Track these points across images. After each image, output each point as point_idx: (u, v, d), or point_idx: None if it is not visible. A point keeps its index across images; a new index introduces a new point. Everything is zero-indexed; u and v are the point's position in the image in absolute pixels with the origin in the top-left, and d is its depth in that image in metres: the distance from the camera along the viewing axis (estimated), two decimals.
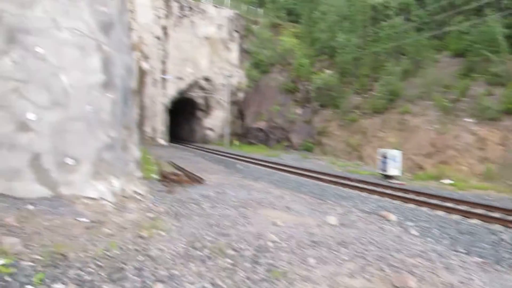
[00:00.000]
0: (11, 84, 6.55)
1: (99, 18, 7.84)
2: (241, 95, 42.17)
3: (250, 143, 36.71)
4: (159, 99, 38.74)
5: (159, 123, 39.02)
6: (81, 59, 7.32)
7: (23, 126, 6.64)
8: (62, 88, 7.01)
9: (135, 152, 9.74)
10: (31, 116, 6.71)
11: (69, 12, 7.31)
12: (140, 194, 8.12)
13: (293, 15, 44.89)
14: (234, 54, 42.47)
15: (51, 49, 6.94)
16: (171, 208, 7.88)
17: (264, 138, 35.75)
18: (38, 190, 6.58)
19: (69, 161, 7.03)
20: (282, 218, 7.71)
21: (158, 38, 38.26)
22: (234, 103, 42.03)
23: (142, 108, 37.18)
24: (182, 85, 40.10)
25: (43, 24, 6.99)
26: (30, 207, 5.99)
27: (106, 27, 7.97)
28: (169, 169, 13.92)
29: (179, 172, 13.10)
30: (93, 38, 7.54)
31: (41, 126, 6.77)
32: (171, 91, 39.45)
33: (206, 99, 42.17)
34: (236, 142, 37.71)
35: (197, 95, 41.42)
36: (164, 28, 38.59)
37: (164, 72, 38.37)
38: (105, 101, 7.64)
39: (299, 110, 33.64)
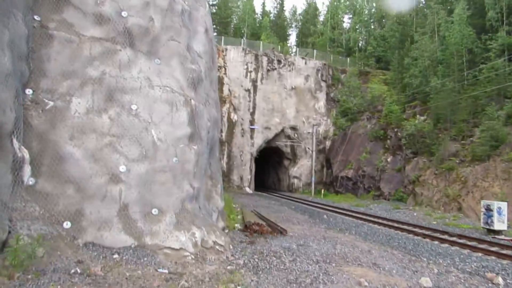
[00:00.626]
0: (107, 139, 6.99)
1: (188, 75, 8.26)
2: (328, 143, 41.54)
3: (337, 192, 35.77)
4: (246, 149, 39.43)
5: (246, 171, 39.40)
6: (170, 114, 7.70)
7: (115, 178, 6.94)
8: (151, 142, 7.37)
9: (219, 202, 9.80)
10: (122, 168, 7.01)
11: (161, 71, 7.80)
12: (221, 245, 8.04)
13: (382, 62, 44.47)
14: (321, 103, 42.34)
15: (144, 105, 7.42)
16: (251, 261, 7.75)
17: (352, 187, 34.66)
18: (124, 239, 6.74)
19: (154, 211, 7.19)
20: (368, 277, 7.12)
21: (247, 90, 39.79)
22: (320, 151, 41.45)
23: (230, 157, 38.54)
24: (269, 134, 40.48)
25: (138, 84, 7.53)
26: (116, 256, 6.20)
27: (195, 83, 8.30)
28: (252, 218, 13.78)
29: (262, 222, 12.85)
30: (182, 94, 7.94)
31: (130, 178, 7.04)
32: (259, 140, 40.00)
33: (292, 148, 41.86)
34: (323, 191, 36.72)
35: (283, 144, 41.35)
36: (253, 81, 39.98)
37: (252, 122, 39.46)
38: (190, 153, 7.80)
39: (389, 158, 32.40)
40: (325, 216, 19.52)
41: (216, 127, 10.26)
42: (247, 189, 38.51)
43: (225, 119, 38.42)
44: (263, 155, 43.46)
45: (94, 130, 6.87)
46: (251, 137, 40.01)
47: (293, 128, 41.45)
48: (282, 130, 41.21)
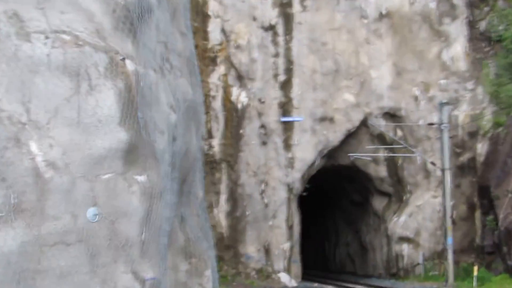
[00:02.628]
0: None
1: (115, 3, 7.69)
2: (480, 147, 32.10)
3: None
4: (276, 175, 30.53)
5: (278, 232, 31.13)
6: (74, 99, 6.88)
7: None
8: (30, 172, 6.40)
9: None
10: None
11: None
12: None
13: None
14: (456, 48, 32.17)
15: (7, 84, 6.60)
16: None
17: None
18: None
19: None
20: None
21: (269, 28, 31.14)
22: (462, 169, 32.62)
23: (235, 198, 30.45)
24: (332, 135, 31.08)
25: None
26: None
27: (132, 21, 7.68)
28: None
29: None
30: (103, 47, 7.17)
31: None
32: (305, 152, 30.94)
33: (392, 165, 33.24)
34: (476, 271, 29.13)
35: (369, 158, 32.03)
36: (284, 5, 31.45)
37: (285, 108, 30.48)
38: (130, 194, 7.06)
39: None
40: None
41: (195, 124, 10.62)
42: (284, 278, 30.56)
43: (216, 103, 29.44)
44: (319, 188, 37.23)
45: None
46: (286, 146, 30.18)
47: (391, 115, 31.76)
48: (364, 123, 31.49)
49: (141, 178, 7.27)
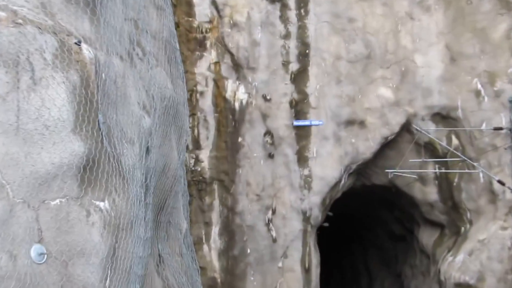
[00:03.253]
0: None
1: None
2: None
3: None
4: (286, 199, 29.57)
5: (288, 277, 30.34)
6: (11, 97, 7.07)
7: None
8: None
9: None
10: None
11: None
12: None
13: None
14: None
15: None
16: None
17: None
18: None
19: None
20: None
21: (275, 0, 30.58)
22: None
23: (229, 232, 30.45)
24: (362, 144, 29.94)
25: None
26: None
27: None
28: None
29: None
30: (50, 27, 7.49)
31: None
32: (326, 168, 29.57)
33: (443, 183, 32.05)
34: None
35: (414, 175, 31.46)
36: None
37: (299, 107, 29.71)
38: (88, 227, 7.42)
39: None
40: None
41: (176, 130, 11.54)
42: None
43: (205, 102, 28.79)
44: (345, 217, 36.85)
45: None
46: (301, 160, 29.28)
47: (443, 117, 30.51)
48: (406, 128, 30.23)
49: (103, 205, 7.49)
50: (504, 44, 30.47)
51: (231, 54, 28.31)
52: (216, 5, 28.58)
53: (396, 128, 28.94)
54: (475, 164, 29.26)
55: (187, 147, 23.89)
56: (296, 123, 28.29)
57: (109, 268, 7.72)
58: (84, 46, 7.78)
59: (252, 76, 28.28)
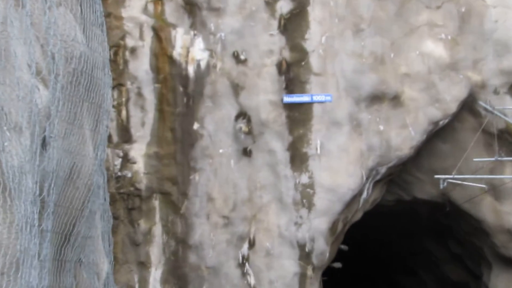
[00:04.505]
0: None
1: None
2: None
3: None
4: (272, 223, 23.94)
5: None
6: None
7: None
8: None
9: None
10: None
11: None
12: None
13: None
14: None
15: None
16: None
17: None
18: None
19: None
20: None
21: None
22: None
23: (178, 277, 24.14)
24: (396, 133, 24.16)
25: None
26: None
27: None
28: None
29: None
30: None
31: None
32: (338, 174, 24.05)
33: None
34: None
35: (482, 184, 26.01)
36: None
37: (293, 75, 23.72)
38: None
39: None
40: None
41: (92, 110, 10.57)
42: None
43: (140, 65, 21.84)
44: (369, 252, 33.89)
45: None
46: (295, 158, 23.17)
47: None
48: (468, 107, 25.32)
49: None
50: None
51: None
52: None
53: (453, 108, 22.57)
54: None
55: (109, 138, 16.60)
56: (287, 98, 21.56)
57: None
58: None
59: (216, 22, 21.74)
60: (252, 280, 21.85)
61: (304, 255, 22.14)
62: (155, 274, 21.45)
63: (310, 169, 21.60)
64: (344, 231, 23.82)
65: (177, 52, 21.51)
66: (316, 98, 21.66)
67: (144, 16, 21.54)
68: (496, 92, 22.78)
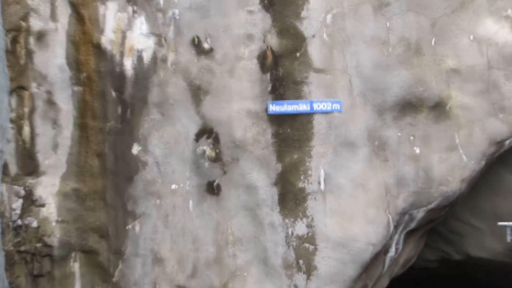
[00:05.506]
0: None
1: None
2: None
3: None
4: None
5: None
6: None
7: None
8: None
9: None
10: None
11: None
12: None
13: None
14: None
15: None
16: None
17: None
18: None
19: None
20: None
21: None
22: None
23: None
24: (437, 159, 18.57)
25: None
26: None
27: None
28: None
29: None
30: None
31: None
32: (348, 220, 19.83)
33: None
34: None
35: None
36: None
37: (284, 72, 21.89)
38: None
39: None
40: None
41: None
42: None
43: (51, 56, 16.25)
44: None
45: None
46: (285, 198, 18.46)
47: None
48: None
49: None
50: None
51: None
52: None
53: None
54: None
55: (4, 168, 13.19)
56: (275, 107, 16.73)
57: None
58: None
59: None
60: None
61: None
62: None
63: (309, 213, 15.90)
64: None
65: (108, 38, 14.87)
66: (318, 106, 15.81)
67: None
68: None
